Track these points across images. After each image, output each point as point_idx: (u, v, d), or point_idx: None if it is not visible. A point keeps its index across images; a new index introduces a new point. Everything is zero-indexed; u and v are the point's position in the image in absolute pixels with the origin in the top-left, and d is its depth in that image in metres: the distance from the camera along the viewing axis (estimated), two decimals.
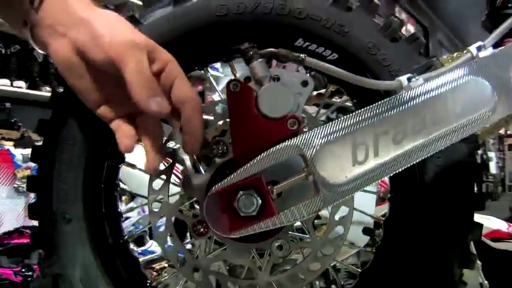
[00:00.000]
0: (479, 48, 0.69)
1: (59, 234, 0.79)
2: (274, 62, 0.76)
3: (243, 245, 0.73)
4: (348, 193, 0.64)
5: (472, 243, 1.26)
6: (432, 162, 0.75)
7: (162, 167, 0.77)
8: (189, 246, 1.35)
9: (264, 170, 0.64)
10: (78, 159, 0.79)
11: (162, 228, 0.77)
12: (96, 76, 0.57)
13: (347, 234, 0.75)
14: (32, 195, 0.81)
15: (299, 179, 0.64)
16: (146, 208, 0.79)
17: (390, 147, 0.63)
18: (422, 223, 0.76)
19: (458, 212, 0.75)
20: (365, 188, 0.66)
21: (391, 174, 0.65)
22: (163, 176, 0.77)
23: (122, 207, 2.42)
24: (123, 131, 0.59)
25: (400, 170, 0.64)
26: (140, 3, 3.29)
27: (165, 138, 0.77)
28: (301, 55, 0.69)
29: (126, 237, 0.87)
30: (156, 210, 0.76)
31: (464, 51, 0.71)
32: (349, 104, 0.88)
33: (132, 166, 0.88)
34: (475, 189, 0.76)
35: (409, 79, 0.67)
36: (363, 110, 0.64)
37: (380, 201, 1.38)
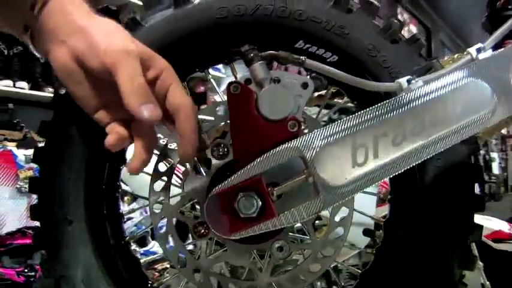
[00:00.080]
0: (479, 50, 0.69)
1: (61, 235, 0.79)
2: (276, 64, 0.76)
3: (243, 246, 0.73)
4: (348, 195, 0.64)
5: (474, 244, 1.27)
6: (432, 164, 0.75)
7: (163, 168, 0.78)
8: (191, 247, 1.35)
9: (264, 172, 0.64)
10: (80, 161, 0.80)
11: (163, 229, 0.77)
12: (94, 83, 0.58)
13: (347, 236, 0.75)
14: (34, 196, 0.81)
15: (299, 181, 0.64)
16: (148, 209, 0.79)
17: (390, 149, 0.63)
18: (423, 224, 0.77)
19: (458, 213, 0.76)
20: (365, 190, 0.66)
21: (391, 176, 0.65)
22: (165, 178, 0.77)
23: (124, 208, 2.43)
24: (116, 132, 0.59)
25: (399, 171, 0.64)
26: (140, 3, 3.29)
27: (166, 139, 0.78)
28: (302, 57, 0.70)
29: (127, 238, 0.87)
30: (157, 211, 0.76)
31: (464, 53, 0.71)
32: (351, 104, 0.88)
33: None
34: (477, 190, 0.76)
35: (408, 81, 0.67)
36: (362, 112, 0.64)
37: (380, 202, 1.38)
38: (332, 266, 1.13)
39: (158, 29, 0.77)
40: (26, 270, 2.22)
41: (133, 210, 2.09)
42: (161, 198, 0.76)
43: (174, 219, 0.78)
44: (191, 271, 0.78)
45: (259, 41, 0.75)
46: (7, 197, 2.62)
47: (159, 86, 0.60)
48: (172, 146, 0.74)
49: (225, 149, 0.70)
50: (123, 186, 1.56)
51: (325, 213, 0.73)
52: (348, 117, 0.64)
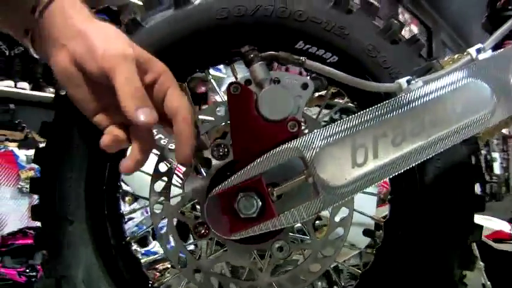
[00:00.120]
0: (478, 51, 0.69)
1: (62, 236, 0.79)
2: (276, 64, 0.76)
3: (243, 246, 0.73)
4: (348, 195, 0.64)
5: (474, 244, 1.27)
6: (432, 164, 0.75)
7: (163, 168, 0.78)
8: (192, 247, 1.35)
9: (264, 172, 0.65)
10: (81, 161, 0.80)
11: (164, 230, 0.77)
12: (93, 86, 0.58)
13: (347, 236, 0.75)
14: (36, 196, 0.81)
15: (299, 181, 0.64)
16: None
17: (389, 150, 0.64)
18: (423, 224, 0.77)
19: (458, 214, 0.76)
20: (366, 190, 0.66)
21: (391, 176, 0.65)
22: (165, 178, 0.77)
23: (126, 208, 2.43)
24: (112, 133, 0.60)
25: (399, 172, 0.64)
26: (141, 3, 3.30)
27: (167, 139, 0.78)
28: (301, 58, 0.70)
29: (128, 238, 0.88)
30: (158, 211, 0.77)
31: (464, 54, 0.71)
32: (351, 105, 0.88)
33: None
34: (479, 190, 0.76)
35: (408, 81, 0.68)
36: (362, 112, 0.64)
37: (381, 202, 1.38)
38: (333, 266, 1.13)
39: (158, 30, 0.77)
40: (27, 271, 2.23)
41: (134, 211, 2.09)
42: (161, 198, 0.76)
43: (175, 220, 0.78)
44: (192, 271, 0.78)
45: (260, 41, 0.75)
46: (8, 197, 2.63)
47: (157, 89, 0.61)
48: (173, 146, 0.74)
49: (225, 150, 0.71)
50: (124, 187, 1.56)
51: (325, 213, 0.74)
52: (347, 118, 0.64)
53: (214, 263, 0.79)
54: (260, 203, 0.64)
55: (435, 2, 8.29)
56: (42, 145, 0.82)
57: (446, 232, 0.76)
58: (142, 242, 2.49)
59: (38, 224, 0.81)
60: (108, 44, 0.56)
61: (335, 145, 0.64)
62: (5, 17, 0.60)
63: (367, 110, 0.64)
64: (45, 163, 0.81)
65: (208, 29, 0.77)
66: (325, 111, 1.14)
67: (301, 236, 0.89)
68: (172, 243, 0.79)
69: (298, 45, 0.78)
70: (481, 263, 1.45)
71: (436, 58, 0.79)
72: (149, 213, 0.80)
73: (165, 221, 0.77)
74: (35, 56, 0.61)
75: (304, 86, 0.68)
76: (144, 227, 2.30)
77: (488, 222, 1.69)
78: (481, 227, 0.77)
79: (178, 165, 0.76)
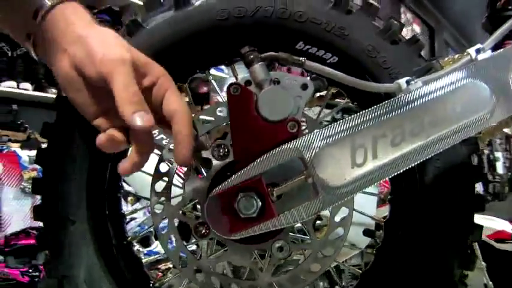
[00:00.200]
0: (478, 51, 0.69)
1: (64, 236, 0.80)
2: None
3: (244, 246, 0.73)
4: (347, 195, 0.64)
5: (476, 244, 1.27)
6: (432, 164, 0.76)
7: (164, 169, 0.78)
8: (194, 247, 1.36)
9: (264, 172, 0.65)
10: (82, 161, 0.80)
11: (166, 230, 0.78)
12: (93, 91, 0.59)
13: (347, 236, 0.76)
14: (38, 197, 0.82)
15: (298, 181, 0.65)
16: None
17: (389, 150, 0.64)
18: (423, 224, 0.77)
19: (458, 214, 0.76)
20: (366, 190, 0.66)
21: (390, 176, 0.65)
22: (166, 178, 0.78)
23: (128, 208, 2.44)
24: (110, 134, 0.60)
25: (399, 172, 0.64)
26: (141, 3, 3.30)
27: (168, 140, 0.78)
28: (301, 58, 0.70)
29: (129, 238, 0.88)
30: (159, 211, 0.77)
31: (464, 54, 0.71)
32: (352, 104, 0.88)
33: None
34: (481, 189, 0.76)
35: (408, 82, 0.68)
36: (361, 112, 0.65)
37: (381, 203, 1.38)
38: (334, 266, 1.13)
39: (159, 31, 0.78)
40: (30, 271, 2.23)
41: (135, 211, 2.09)
42: (162, 198, 0.77)
43: (177, 220, 0.78)
44: (192, 271, 0.78)
45: (260, 42, 0.75)
46: (11, 198, 2.63)
47: (156, 92, 0.61)
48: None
49: (226, 150, 0.71)
50: (126, 187, 1.57)
51: (326, 213, 0.74)
52: (347, 118, 0.64)
53: (214, 262, 0.80)
54: (260, 203, 0.65)
55: (438, 2, 8.27)
56: (44, 146, 0.82)
57: (446, 232, 0.76)
58: (145, 242, 2.49)
59: (41, 224, 0.82)
60: (106, 49, 0.57)
61: (334, 145, 0.64)
62: (7, 20, 0.61)
63: (367, 110, 0.65)
64: (47, 164, 0.81)
65: (208, 30, 0.77)
66: (326, 111, 1.14)
67: (301, 236, 0.89)
68: (174, 244, 0.79)
69: (298, 46, 0.78)
70: (483, 263, 1.45)
71: (436, 58, 0.80)
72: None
73: (167, 221, 0.77)
74: (36, 59, 0.62)
75: (304, 87, 0.69)
76: (146, 227, 2.30)
77: (490, 222, 1.69)
78: (481, 227, 0.78)
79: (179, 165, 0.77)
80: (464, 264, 0.77)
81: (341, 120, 0.64)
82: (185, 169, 0.76)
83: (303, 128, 0.72)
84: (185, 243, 0.82)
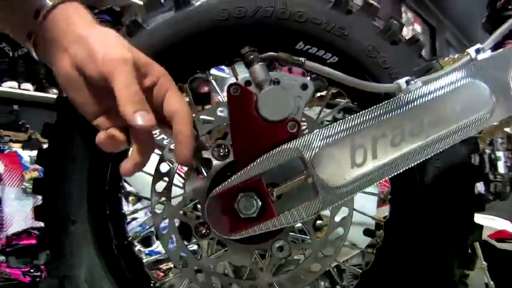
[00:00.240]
0: (478, 51, 0.69)
1: (64, 236, 0.80)
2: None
3: (244, 246, 0.74)
4: (347, 195, 0.65)
5: (477, 244, 1.26)
6: (432, 164, 0.76)
7: (164, 169, 0.78)
8: (195, 247, 1.36)
9: (264, 172, 0.65)
10: (83, 162, 0.81)
11: (166, 230, 0.78)
12: (93, 90, 0.59)
13: (347, 235, 0.76)
14: (40, 197, 0.82)
15: (298, 181, 0.65)
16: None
17: (388, 150, 0.64)
18: (423, 224, 0.77)
19: (458, 213, 0.76)
20: (366, 190, 0.66)
21: (390, 176, 0.65)
22: (166, 178, 0.78)
23: (129, 208, 2.44)
24: (110, 133, 0.60)
25: (398, 172, 0.64)
26: (142, 3, 3.31)
27: (169, 140, 0.78)
28: (301, 58, 0.70)
29: (130, 238, 0.88)
30: (159, 211, 0.77)
31: (464, 54, 0.71)
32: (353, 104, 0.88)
33: None
34: (483, 189, 0.76)
35: (407, 82, 0.68)
36: (361, 113, 0.65)
37: (382, 202, 1.38)
38: (335, 265, 1.13)
39: (159, 31, 0.78)
40: (31, 271, 2.23)
41: (136, 211, 2.10)
42: (163, 198, 0.77)
43: (177, 220, 0.78)
44: (193, 271, 0.79)
45: (260, 42, 0.75)
46: (13, 198, 2.63)
47: (156, 92, 0.62)
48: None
49: (226, 150, 0.71)
50: (128, 187, 1.57)
51: (326, 213, 0.74)
52: (346, 118, 0.65)
53: (215, 262, 0.80)
54: (260, 203, 0.65)
55: (439, 1, 8.27)
56: (45, 146, 0.82)
57: (446, 232, 0.76)
58: (146, 242, 2.49)
59: (43, 224, 0.82)
60: (107, 49, 0.57)
61: (334, 145, 0.64)
62: (7, 20, 0.61)
63: (366, 110, 0.65)
64: (47, 164, 0.81)
65: (208, 31, 0.77)
66: (328, 110, 1.14)
67: (302, 235, 0.89)
68: (175, 244, 0.80)
69: (298, 46, 0.78)
70: (484, 262, 1.45)
71: (436, 58, 0.80)
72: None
73: (167, 221, 0.78)
74: (36, 59, 0.62)
75: (304, 87, 0.69)
76: (148, 227, 2.30)
77: (491, 222, 1.68)
78: (481, 227, 0.78)
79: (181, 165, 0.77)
80: (464, 264, 0.77)
81: (341, 120, 0.65)
82: (186, 169, 0.76)
83: (304, 128, 0.72)
84: (186, 243, 0.82)
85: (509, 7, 1.10)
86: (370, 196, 1.16)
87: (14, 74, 3.17)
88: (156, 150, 0.70)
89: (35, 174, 2.61)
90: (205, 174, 0.73)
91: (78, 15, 0.60)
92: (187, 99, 0.87)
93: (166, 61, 0.64)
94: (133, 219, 2.39)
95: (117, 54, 0.57)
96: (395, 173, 0.64)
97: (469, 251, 0.79)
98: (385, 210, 0.89)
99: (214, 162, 0.72)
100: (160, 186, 0.78)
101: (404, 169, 0.64)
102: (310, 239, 0.78)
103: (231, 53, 0.79)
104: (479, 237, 0.78)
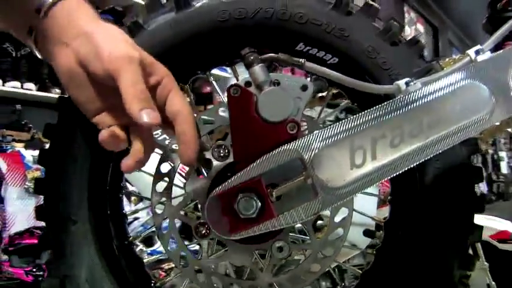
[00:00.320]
0: (477, 52, 0.69)
1: (65, 236, 0.80)
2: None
3: (244, 246, 0.74)
4: (346, 196, 0.65)
5: (478, 244, 1.26)
6: (432, 165, 0.76)
7: (165, 169, 0.79)
8: (197, 247, 1.36)
9: (264, 173, 0.65)
10: (84, 162, 0.81)
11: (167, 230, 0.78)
12: (95, 87, 0.59)
13: (346, 236, 0.76)
14: (42, 196, 0.83)
15: (298, 182, 0.65)
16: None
17: (388, 151, 0.64)
18: (423, 225, 0.77)
19: (458, 214, 0.76)
20: (366, 190, 0.67)
21: (390, 177, 0.65)
22: (167, 178, 0.78)
23: (131, 207, 2.44)
24: (112, 131, 0.60)
25: (398, 173, 0.65)
26: (143, 3, 3.31)
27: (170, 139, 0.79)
28: (301, 60, 0.71)
29: (131, 238, 0.88)
30: (160, 211, 0.77)
31: (464, 55, 0.71)
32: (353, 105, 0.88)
33: None
34: (485, 189, 0.76)
35: (407, 83, 0.68)
36: (360, 114, 0.65)
37: (382, 203, 1.38)
38: (336, 266, 1.13)
39: (160, 32, 0.78)
40: (34, 270, 2.24)
41: (136, 211, 2.10)
42: (163, 199, 0.77)
43: (178, 220, 0.79)
44: (193, 271, 0.79)
45: (260, 43, 0.76)
46: (15, 197, 2.64)
47: (159, 92, 0.61)
48: (176, 146, 0.75)
49: (226, 151, 0.71)
50: (130, 187, 1.57)
51: (327, 213, 0.74)
52: (346, 120, 0.65)
53: (215, 262, 0.80)
54: (259, 204, 0.65)
55: (442, 1, 8.25)
56: (47, 146, 0.83)
57: (446, 233, 0.76)
58: (148, 241, 2.50)
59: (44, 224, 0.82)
60: (113, 46, 0.57)
61: (333, 146, 0.64)
62: (8, 16, 0.61)
63: (365, 111, 0.65)
64: (49, 164, 0.82)
65: (209, 32, 0.78)
66: (329, 110, 1.15)
67: (302, 236, 0.89)
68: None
69: (298, 47, 0.79)
70: (486, 263, 1.45)
71: (436, 59, 0.80)
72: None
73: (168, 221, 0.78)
74: (38, 56, 0.62)
75: (304, 88, 0.69)
76: (149, 227, 2.31)
77: (493, 223, 1.68)
78: (481, 228, 0.78)
79: (182, 165, 0.77)
80: (464, 264, 0.77)
81: (340, 122, 0.65)
82: (187, 169, 0.76)
83: (305, 128, 0.72)
84: (188, 243, 0.82)
85: (510, 8, 1.10)
86: (371, 197, 1.16)
87: (16, 74, 3.18)
88: (158, 150, 0.71)
89: (38, 173, 2.62)
90: (205, 174, 0.73)
91: (80, 10, 0.60)
92: (188, 100, 0.87)
93: (166, 62, 0.64)
94: (136, 219, 2.40)
95: (124, 52, 0.57)
96: (395, 174, 0.65)
97: (470, 251, 0.80)
98: (385, 212, 0.89)
99: (215, 162, 0.72)
100: (161, 186, 0.78)
101: (404, 170, 0.65)
102: (310, 240, 0.78)
103: (231, 54, 0.79)
104: (479, 238, 0.78)
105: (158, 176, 0.78)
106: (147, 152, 0.62)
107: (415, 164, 0.65)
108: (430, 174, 0.76)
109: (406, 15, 7.28)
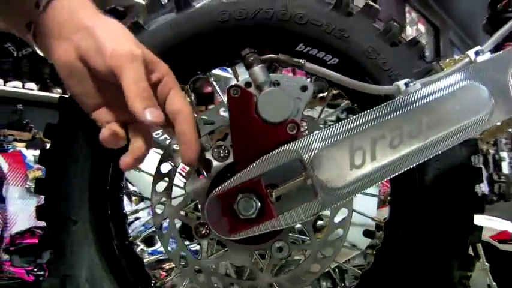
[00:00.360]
0: (477, 53, 0.69)
1: (66, 236, 0.81)
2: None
3: (244, 246, 0.74)
4: (346, 196, 0.65)
5: (480, 245, 1.26)
6: (431, 166, 0.76)
7: (165, 169, 0.79)
8: (198, 247, 1.36)
9: (264, 174, 0.66)
10: (84, 162, 0.81)
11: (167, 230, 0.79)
12: (94, 82, 0.58)
13: (346, 236, 0.76)
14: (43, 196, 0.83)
15: (297, 183, 0.65)
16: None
17: (387, 152, 0.64)
18: (422, 225, 0.77)
19: (458, 215, 0.76)
20: (366, 191, 0.67)
21: (389, 178, 0.66)
22: (167, 179, 0.78)
23: (133, 207, 2.44)
24: (113, 129, 0.60)
25: (397, 173, 0.65)
26: (144, 3, 3.31)
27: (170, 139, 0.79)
28: (301, 60, 0.71)
29: (131, 238, 0.89)
30: (160, 211, 0.78)
31: (464, 56, 0.71)
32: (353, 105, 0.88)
33: (138, 168, 0.90)
34: (487, 190, 0.77)
35: (406, 84, 0.68)
36: (360, 114, 0.65)
37: (382, 204, 1.38)
38: (335, 266, 1.13)
39: (161, 33, 0.78)
40: (35, 269, 2.24)
41: (137, 211, 2.10)
42: (163, 199, 0.77)
43: (178, 220, 0.79)
44: (193, 271, 0.79)
45: (260, 44, 0.76)
46: (17, 197, 2.64)
47: (160, 90, 0.61)
48: (176, 146, 0.75)
49: (226, 151, 0.71)
50: (130, 187, 1.57)
51: (327, 213, 0.74)
52: (345, 120, 0.65)
53: (215, 262, 0.80)
54: (259, 204, 0.65)
55: (443, 1, 8.24)
56: (47, 146, 0.83)
57: (445, 233, 0.76)
58: (149, 241, 2.50)
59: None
60: (116, 43, 0.56)
61: (333, 147, 0.65)
62: (9, 11, 0.60)
63: (365, 112, 0.65)
64: (50, 164, 0.82)
65: (209, 32, 0.78)
66: (330, 110, 1.15)
67: (302, 236, 0.89)
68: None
69: (298, 48, 0.79)
70: (486, 263, 1.45)
71: (436, 60, 0.80)
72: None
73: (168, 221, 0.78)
74: (37, 50, 0.61)
75: (304, 89, 0.69)
76: (150, 227, 2.31)
77: (494, 223, 1.68)
78: (480, 228, 0.78)
79: (183, 165, 0.77)
80: (464, 265, 0.77)
81: (340, 122, 0.65)
82: (188, 169, 0.76)
83: (305, 128, 0.72)
84: (188, 243, 0.82)
85: (510, 9, 1.10)
86: (370, 197, 1.16)
87: (18, 74, 3.18)
88: (158, 150, 0.71)
89: (39, 173, 2.62)
90: (205, 174, 0.74)
91: (80, 3, 0.59)
92: (189, 100, 0.87)
93: (167, 62, 0.65)
94: (137, 218, 2.40)
95: (127, 49, 0.56)
96: (395, 175, 0.65)
97: (470, 252, 0.80)
98: (385, 212, 0.89)
99: (215, 163, 0.72)
100: (161, 186, 0.79)
101: (403, 170, 0.65)
102: (310, 240, 0.78)
103: (231, 55, 0.79)
104: (479, 239, 0.78)
105: (158, 176, 0.78)
106: (146, 150, 0.62)
107: (414, 165, 0.65)
108: (430, 175, 0.76)
109: (408, 15, 7.27)
